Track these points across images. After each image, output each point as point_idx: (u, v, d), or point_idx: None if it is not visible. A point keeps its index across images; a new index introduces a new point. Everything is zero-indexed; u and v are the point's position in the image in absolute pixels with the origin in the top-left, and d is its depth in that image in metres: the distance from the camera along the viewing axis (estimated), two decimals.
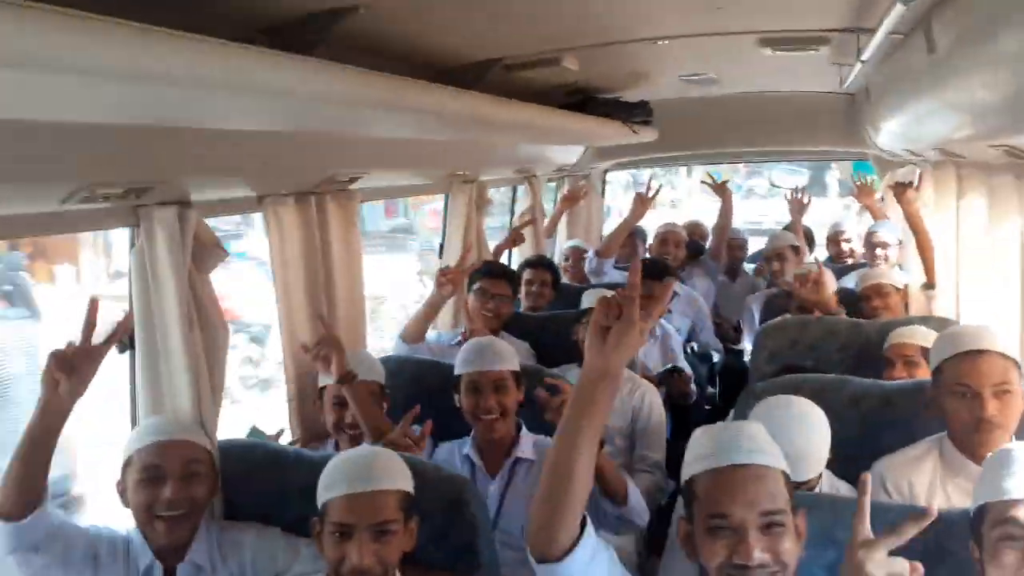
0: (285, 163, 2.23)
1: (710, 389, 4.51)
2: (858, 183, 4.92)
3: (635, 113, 3.79)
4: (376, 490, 1.62)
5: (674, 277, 3.94)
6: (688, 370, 3.86)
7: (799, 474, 1.89)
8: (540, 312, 3.83)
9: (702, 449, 1.47)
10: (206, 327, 2.08)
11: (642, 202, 4.46)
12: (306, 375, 2.52)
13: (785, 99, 4.65)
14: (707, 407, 4.28)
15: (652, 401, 3.12)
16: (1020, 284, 2.48)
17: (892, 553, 1.31)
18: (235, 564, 1.91)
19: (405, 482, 1.68)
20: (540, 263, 4.08)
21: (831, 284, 3.49)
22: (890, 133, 3.59)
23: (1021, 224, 2.38)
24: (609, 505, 2.23)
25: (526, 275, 3.96)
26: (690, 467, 1.48)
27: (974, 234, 2.93)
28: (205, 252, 2.08)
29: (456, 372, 2.49)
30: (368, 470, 1.65)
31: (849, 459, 2.18)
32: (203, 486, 1.90)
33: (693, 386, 3.81)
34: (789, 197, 4.63)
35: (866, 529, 1.27)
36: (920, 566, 1.20)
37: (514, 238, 4.31)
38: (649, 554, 2.89)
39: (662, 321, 3.93)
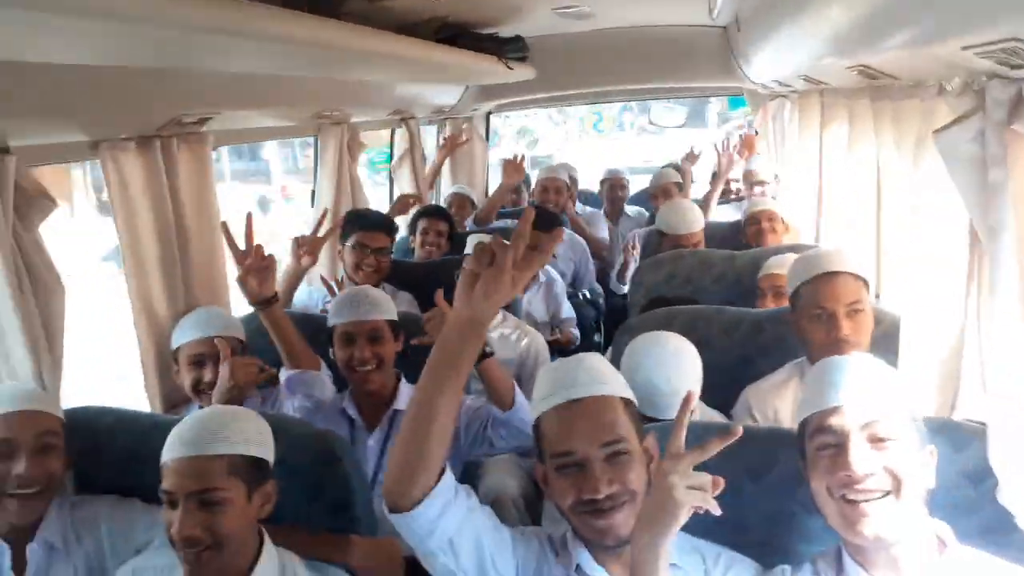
0: (122, 103, 2.02)
1: (596, 338, 4.56)
2: (743, 138, 5.04)
3: (509, 49, 3.68)
4: (200, 455, 1.48)
5: (561, 226, 3.92)
6: (572, 316, 3.88)
7: (674, 409, 1.90)
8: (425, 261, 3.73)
9: (543, 388, 1.46)
10: (38, 286, 1.90)
11: (514, 168, 4.46)
12: (161, 338, 2.35)
13: (660, 34, 4.65)
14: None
15: (538, 348, 3.11)
16: (875, 207, 2.56)
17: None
18: (91, 541, 1.79)
19: (245, 446, 1.51)
20: (436, 212, 3.96)
21: None
22: (759, 65, 3.63)
23: (876, 147, 2.44)
24: (497, 411, 2.19)
25: (421, 224, 3.85)
26: (535, 409, 1.47)
27: (836, 161, 3.01)
28: (31, 204, 1.88)
29: (329, 323, 2.39)
30: (196, 434, 1.50)
31: (724, 387, 2.23)
32: (59, 460, 1.77)
33: (576, 331, 3.83)
34: (721, 151, 4.66)
35: (679, 443, 1.27)
36: (721, 480, 1.22)
37: (400, 207, 4.15)
38: (538, 492, 2.90)
39: (547, 268, 3.92)
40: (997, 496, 1.43)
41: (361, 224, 3.18)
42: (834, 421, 1.35)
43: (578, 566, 1.45)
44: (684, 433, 1.28)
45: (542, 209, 4.00)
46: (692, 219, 3.59)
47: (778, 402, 2.17)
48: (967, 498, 1.48)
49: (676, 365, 1.98)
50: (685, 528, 1.43)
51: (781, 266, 2.75)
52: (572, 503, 1.39)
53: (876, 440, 1.33)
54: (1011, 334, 1.37)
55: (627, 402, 1.45)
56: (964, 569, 1.32)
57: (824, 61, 2.37)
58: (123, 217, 2.27)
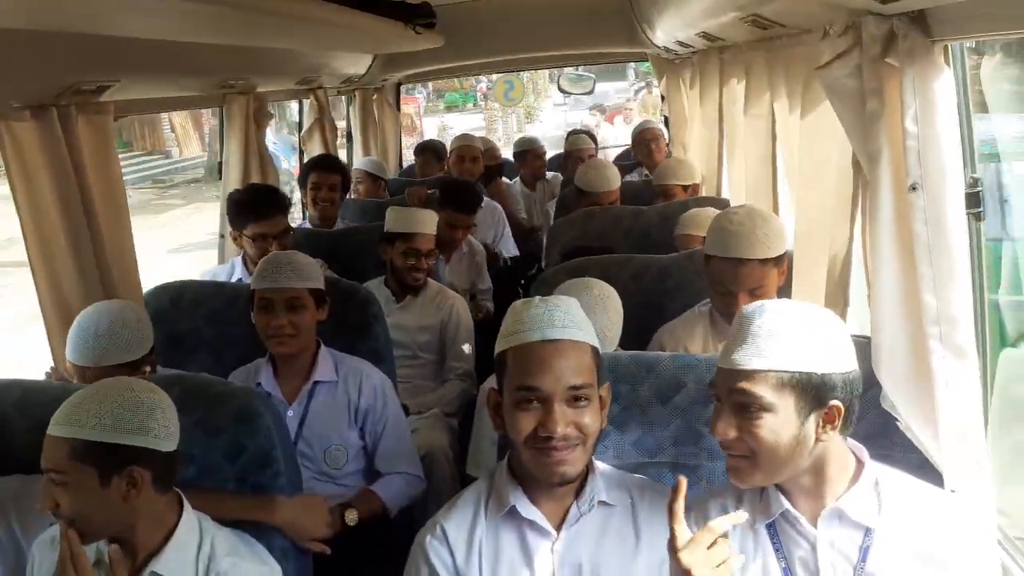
0: (14, 68, 1.94)
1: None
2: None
3: (417, 15, 3.66)
4: (52, 436, 1.47)
5: (478, 207, 4.00)
6: (490, 286, 3.95)
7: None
8: (334, 229, 3.70)
9: (517, 323, 1.47)
10: None
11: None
12: (67, 306, 2.27)
13: (568, 1, 4.71)
14: None
15: (460, 312, 3.15)
16: (771, 159, 2.69)
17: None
18: (2, 526, 1.73)
19: (96, 432, 1.46)
20: (327, 164, 3.83)
21: None
22: (661, 27, 3.74)
23: (769, 100, 2.56)
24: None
25: (311, 178, 3.73)
26: (504, 340, 1.48)
27: (737, 117, 3.14)
28: None
29: (251, 287, 2.36)
30: (58, 412, 1.49)
31: (636, 331, 2.32)
32: None
33: (491, 304, 3.90)
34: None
35: (684, 530, 1.29)
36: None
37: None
38: (463, 450, 2.96)
39: (469, 238, 3.97)
40: (881, 402, 1.55)
41: (255, 212, 2.90)
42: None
43: (512, 507, 1.49)
44: (683, 518, 1.31)
45: (462, 184, 3.99)
46: (610, 177, 3.72)
47: (688, 342, 2.28)
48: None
49: (603, 309, 2.08)
50: (601, 454, 1.51)
51: (693, 226, 2.89)
52: (527, 436, 1.42)
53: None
54: (890, 250, 1.49)
55: (595, 350, 1.49)
56: (886, 492, 1.37)
57: (720, 16, 2.47)
58: (23, 191, 2.18)
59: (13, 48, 1.81)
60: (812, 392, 1.31)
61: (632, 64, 16.27)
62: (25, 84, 2.07)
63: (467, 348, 3.14)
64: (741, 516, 1.34)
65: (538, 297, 1.51)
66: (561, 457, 1.42)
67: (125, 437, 1.48)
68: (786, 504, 1.38)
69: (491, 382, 1.52)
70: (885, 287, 1.52)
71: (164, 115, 17.44)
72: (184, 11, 1.85)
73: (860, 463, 1.39)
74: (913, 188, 1.44)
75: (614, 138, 8.65)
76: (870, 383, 1.52)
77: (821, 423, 1.33)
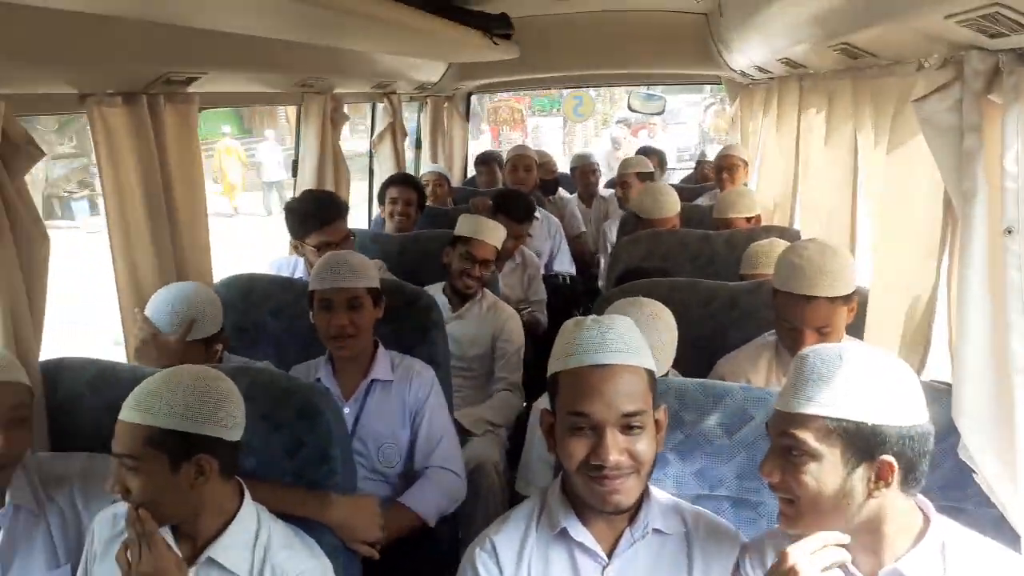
0: (110, 56, 1.99)
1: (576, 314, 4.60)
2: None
3: (495, 25, 3.69)
4: (126, 421, 1.51)
5: (533, 216, 4.02)
6: (543, 298, 3.94)
7: None
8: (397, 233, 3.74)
9: (569, 345, 1.43)
10: (22, 238, 1.88)
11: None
12: (145, 297, 2.33)
13: (643, 19, 4.70)
14: None
15: (512, 326, 3.15)
16: (851, 187, 2.62)
17: None
18: (64, 499, 1.77)
19: (167, 419, 1.50)
20: (405, 181, 3.95)
21: None
22: (740, 51, 3.69)
23: (852, 130, 2.50)
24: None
25: (390, 193, 3.83)
26: (557, 361, 1.45)
27: (813, 144, 3.07)
28: (16, 152, 1.86)
29: (309, 288, 2.38)
30: (134, 400, 1.53)
31: (698, 358, 2.29)
32: (28, 431, 1.74)
33: (544, 315, 3.88)
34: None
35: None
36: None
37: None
38: (512, 464, 2.94)
39: (523, 248, 3.98)
40: (959, 452, 1.49)
41: (317, 220, 2.86)
42: None
43: (563, 529, 1.47)
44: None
45: (514, 194, 4.00)
46: (667, 203, 3.63)
47: (751, 374, 2.23)
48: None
49: (653, 329, 2.03)
50: (660, 482, 1.48)
51: (758, 265, 2.74)
52: (580, 464, 1.40)
53: None
54: (979, 295, 1.43)
55: (650, 373, 1.45)
56: (953, 555, 1.30)
57: (805, 43, 2.43)
58: (109, 175, 2.24)
59: (111, 35, 1.87)
60: (861, 443, 1.26)
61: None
62: (120, 71, 2.14)
63: (516, 362, 3.12)
64: (845, 538, 1.29)
65: (591, 317, 1.47)
66: (614, 487, 1.39)
67: (196, 426, 1.51)
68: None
69: (544, 401, 1.50)
70: (971, 333, 1.46)
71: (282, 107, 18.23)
72: (270, 8, 1.89)
73: (927, 520, 1.32)
74: (1009, 231, 1.39)
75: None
76: (949, 431, 1.47)
77: (873, 478, 1.27)
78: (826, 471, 1.27)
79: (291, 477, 1.76)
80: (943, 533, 1.31)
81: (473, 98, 6.19)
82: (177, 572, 1.50)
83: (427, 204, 4.28)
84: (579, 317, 1.49)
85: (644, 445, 1.40)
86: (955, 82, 1.45)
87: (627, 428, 1.38)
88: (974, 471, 1.49)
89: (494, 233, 3.18)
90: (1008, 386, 1.40)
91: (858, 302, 2.10)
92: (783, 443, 1.30)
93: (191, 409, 1.51)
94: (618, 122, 15.69)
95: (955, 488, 1.51)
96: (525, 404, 3.12)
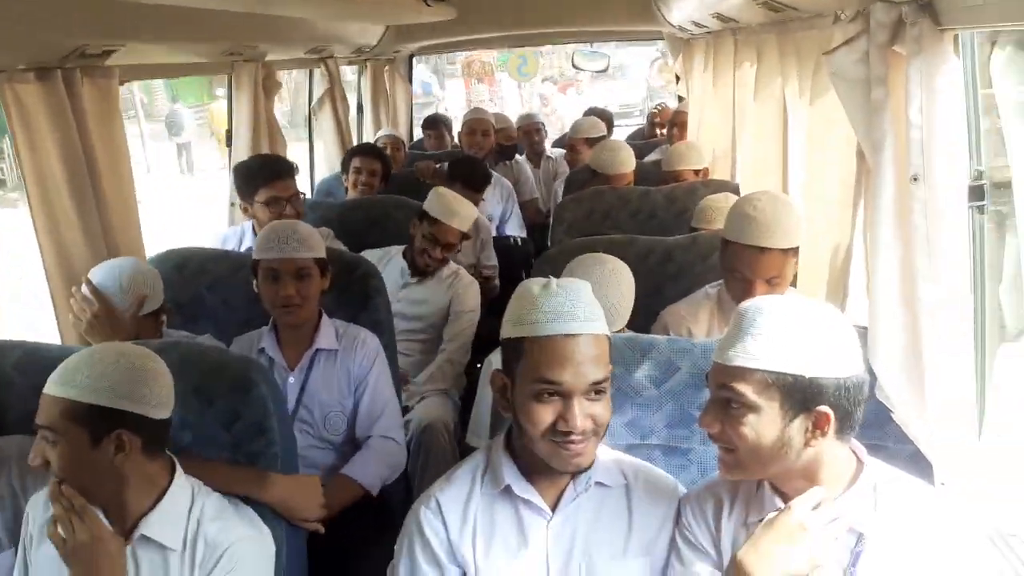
0: (19, 29, 1.94)
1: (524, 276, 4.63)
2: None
3: None
4: (48, 394, 1.51)
5: (487, 184, 4.01)
6: (495, 263, 3.96)
7: (610, 327, 1.97)
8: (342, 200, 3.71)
9: (534, 310, 1.42)
10: None
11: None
12: (75, 277, 2.29)
13: None
14: None
15: (469, 294, 3.16)
16: (781, 145, 2.66)
17: None
18: (3, 482, 1.74)
19: (90, 394, 1.49)
20: (370, 151, 3.92)
21: None
22: (676, 6, 3.70)
23: (781, 84, 2.53)
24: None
25: (354, 163, 3.81)
26: (519, 326, 1.43)
27: (748, 100, 3.11)
28: None
29: (254, 257, 2.36)
30: (58, 373, 1.53)
31: (639, 312, 2.32)
32: None
33: (496, 281, 3.91)
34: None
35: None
36: None
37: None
38: (463, 425, 2.98)
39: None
40: (876, 393, 1.55)
41: (267, 176, 2.91)
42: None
43: (507, 487, 1.49)
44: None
45: (470, 160, 3.97)
46: (623, 159, 3.68)
47: (692, 323, 2.27)
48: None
49: (616, 284, 2.08)
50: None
51: (709, 220, 2.75)
52: (545, 430, 1.41)
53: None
54: (889, 241, 1.48)
55: (609, 339, 1.47)
56: (883, 496, 1.35)
57: None
58: (28, 155, 2.19)
59: (18, 8, 1.81)
60: (799, 395, 1.29)
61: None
62: (30, 46, 2.08)
63: (463, 329, 3.13)
64: (818, 493, 1.32)
65: (554, 282, 1.45)
66: (578, 450, 1.41)
67: (117, 401, 1.50)
68: (779, 504, 1.36)
69: (496, 358, 1.49)
70: (883, 277, 1.51)
71: None
72: None
73: (860, 463, 1.37)
74: (915, 179, 1.43)
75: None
76: (868, 373, 1.52)
77: (810, 428, 1.30)
78: (764, 422, 1.29)
79: (228, 451, 1.75)
80: (875, 475, 1.36)
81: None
82: (113, 540, 1.51)
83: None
84: (540, 279, 1.47)
85: (604, 408, 1.43)
86: (862, 34, 1.48)
87: (592, 393, 1.41)
88: (891, 410, 1.55)
89: (464, 219, 3.13)
90: (917, 327, 1.46)
91: None
92: (722, 395, 1.32)
93: (113, 384, 1.50)
94: (544, 80, 15.61)
95: (874, 427, 1.57)
96: (478, 365, 3.14)
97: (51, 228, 2.27)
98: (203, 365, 1.76)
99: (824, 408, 1.29)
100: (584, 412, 1.40)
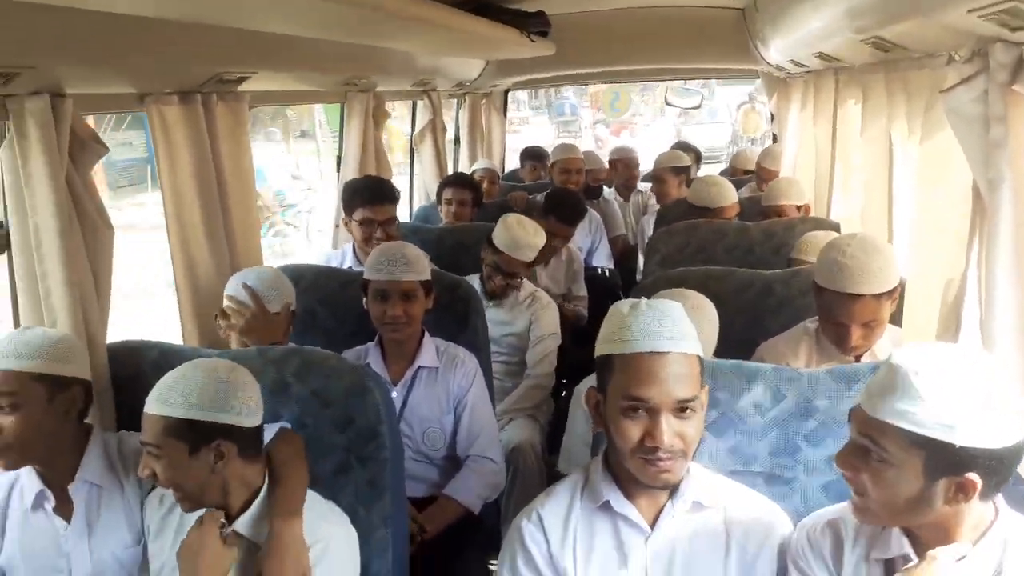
0: (168, 57, 2.12)
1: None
2: None
3: (532, 23, 3.76)
4: (148, 413, 1.63)
5: (581, 219, 4.08)
6: (585, 295, 3.99)
7: None
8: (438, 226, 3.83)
9: (624, 328, 1.46)
10: (87, 227, 2.00)
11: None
12: (199, 284, 2.45)
13: (680, 14, 4.72)
14: None
15: (548, 315, 3.21)
16: (887, 179, 2.65)
17: None
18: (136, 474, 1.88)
19: (184, 410, 1.61)
20: (461, 181, 4.06)
21: None
22: (776, 45, 3.71)
23: (887, 123, 2.53)
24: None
25: (446, 194, 3.96)
26: (610, 344, 1.48)
27: (849, 137, 3.10)
28: (84, 147, 1.98)
29: (365, 276, 2.49)
30: (154, 392, 1.65)
31: (735, 346, 2.33)
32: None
33: (585, 311, 3.94)
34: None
35: None
36: None
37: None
38: (549, 447, 3.03)
39: (568, 245, 4.03)
40: None
41: (365, 198, 3.06)
42: None
43: (606, 502, 1.52)
44: None
45: (566, 205, 4.00)
46: (726, 192, 3.63)
47: (790, 359, 2.26)
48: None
49: (697, 320, 2.07)
50: (698, 459, 1.54)
51: (808, 252, 2.72)
52: (634, 446, 1.45)
53: None
54: (1006, 279, 1.47)
55: (700, 358, 1.49)
56: (1013, 546, 1.30)
57: (839, 36, 2.46)
58: (167, 171, 2.37)
59: (168, 37, 1.98)
60: (945, 460, 1.23)
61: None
62: (177, 71, 2.26)
63: (546, 351, 3.18)
64: (963, 548, 1.29)
65: (644, 301, 1.49)
66: (666, 466, 1.44)
67: (209, 415, 1.62)
68: (907, 546, 1.34)
69: (586, 384, 1.53)
70: (999, 316, 1.50)
71: None
72: (316, 9, 1.98)
73: (996, 514, 1.32)
74: None
75: None
76: None
77: (953, 491, 1.25)
78: (904, 479, 1.26)
79: (342, 452, 1.85)
80: (1008, 526, 1.31)
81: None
82: (216, 545, 1.63)
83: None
84: (631, 299, 1.52)
85: (693, 428, 1.45)
86: (981, 73, 1.50)
87: (679, 412, 1.43)
88: None
89: (526, 252, 3.18)
90: None
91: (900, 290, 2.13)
92: (863, 443, 1.29)
93: (204, 399, 1.62)
94: (596, 123, 15.72)
95: None
96: (564, 393, 3.18)
97: (182, 238, 2.44)
98: (323, 370, 1.87)
99: (972, 476, 1.23)
100: (672, 429, 1.42)
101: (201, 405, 1.62)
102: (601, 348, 1.51)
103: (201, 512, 1.67)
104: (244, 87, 2.59)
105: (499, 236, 3.18)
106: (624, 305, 1.51)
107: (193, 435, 1.61)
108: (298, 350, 1.94)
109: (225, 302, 2.31)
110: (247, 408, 1.66)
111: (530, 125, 20.81)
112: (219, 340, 2.38)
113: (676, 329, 1.46)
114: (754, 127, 13.71)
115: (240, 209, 2.63)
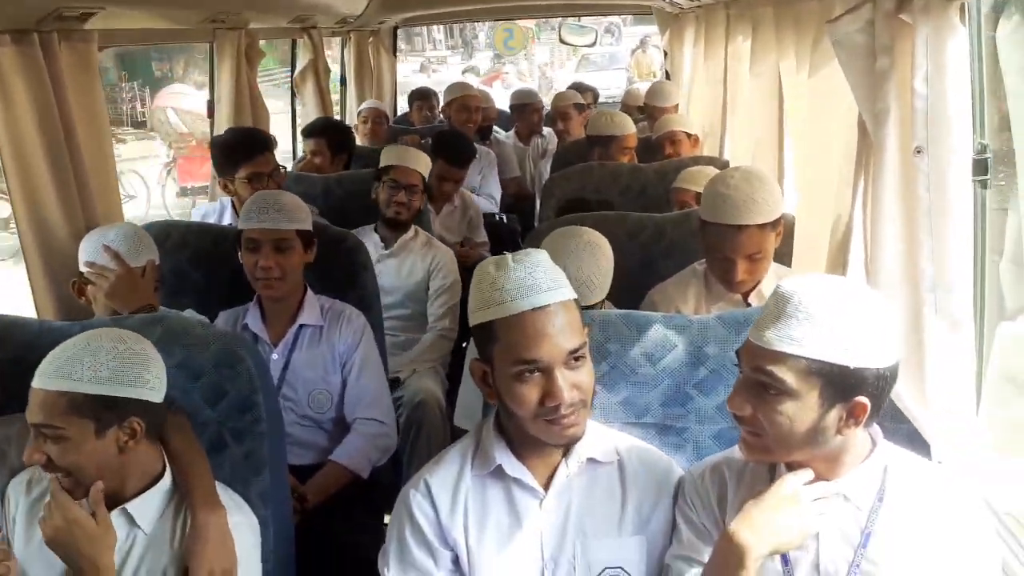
0: None
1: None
2: None
3: None
4: (43, 389, 1.45)
5: (472, 159, 3.93)
6: (486, 240, 3.89)
7: (585, 299, 1.95)
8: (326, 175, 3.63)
9: (497, 290, 1.37)
10: None
11: None
12: (52, 249, 2.23)
13: None
14: None
15: (447, 262, 3.10)
16: (777, 120, 2.63)
17: None
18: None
19: (92, 385, 1.45)
20: (311, 129, 3.77)
21: None
22: None
23: (776, 59, 2.49)
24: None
25: (306, 145, 3.71)
26: (486, 310, 1.39)
27: (741, 75, 3.07)
28: None
29: (238, 226, 2.32)
30: (48, 365, 1.47)
31: (630, 289, 2.29)
32: None
33: (488, 254, 3.84)
34: None
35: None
36: None
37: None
38: (452, 401, 2.95)
39: (463, 191, 3.91)
40: None
41: (247, 151, 2.82)
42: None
43: (498, 467, 1.46)
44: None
45: (455, 145, 3.84)
46: (625, 121, 3.59)
47: (680, 303, 2.25)
48: None
49: (591, 255, 2.05)
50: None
51: (690, 181, 2.83)
52: (534, 410, 1.37)
53: None
54: (892, 215, 1.45)
55: (578, 303, 1.43)
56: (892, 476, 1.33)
57: None
58: (3, 123, 2.12)
59: None
60: (840, 385, 1.24)
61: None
62: (5, 6, 2.00)
63: (448, 300, 3.08)
64: (809, 472, 1.31)
65: (510, 256, 1.40)
66: (570, 422, 1.38)
67: (123, 389, 1.47)
68: None
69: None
70: (884, 252, 1.49)
71: None
72: None
73: (873, 445, 1.34)
74: (918, 151, 1.40)
75: None
76: None
77: (844, 417, 1.26)
78: (800, 409, 1.25)
79: (214, 427, 1.70)
80: (886, 456, 1.34)
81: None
82: (89, 521, 1.47)
83: (361, 144, 4.16)
84: (495, 258, 1.43)
85: (586, 375, 1.39)
86: (867, 2, 1.45)
87: (572, 361, 1.37)
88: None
89: (418, 159, 3.11)
90: (918, 303, 1.44)
91: (785, 227, 2.13)
92: (757, 378, 1.27)
93: (116, 372, 1.46)
94: (465, 71, 15.52)
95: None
96: (465, 344, 3.10)
97: (27, 196, 2.20)
98: (188, 340, 1.71)
99: (862, 399, 1.24)
100: (568, 383, 1.36)
101: (113, 379, 1.46)
102: (477, 316, 1.41)
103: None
104: (91, 24, 2.32)
105: (388, 155, 3.10)
106: (489, 265, 1.41)
107: (104, 412, 1.45)
108: (160, 318, 1.78)
109: (83, 268, 2.10)
110: (158, 381, 1.52)
111: (448, 65, 20.22)
112: (77, 309, 2.18)
113: (550, 279, 1.39)
114: (647, 71, 13.74)
115: (95, 162, 2.39)
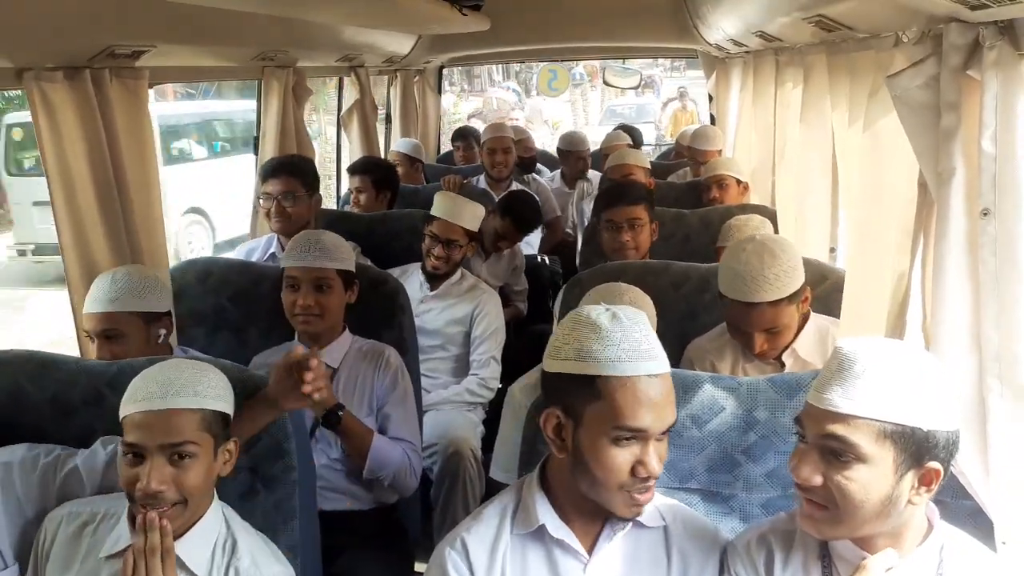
0: (49, 26, 1.89)
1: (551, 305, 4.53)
2: None
3: None
4: (170, 408, 1.44)
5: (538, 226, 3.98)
6: (525, 287, 3.88)
7: None
8: (366, 214, 3.63)
9: (610, 346, 1.29)
10: None
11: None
12: (95, 275, 2.23)
13: None
14: None
15: (491, 305, 3.06)
16: (830, 164, 2.56)
17: None
18: (8, 493, 1.64)
19: (215, 401, 1.48)
20: (356, 167, 3.80)
21: None
22: (715, 23, 3.61)
23: (829, 108, 2.43)
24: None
25: (350, 183, 3.75)
26: (587, 363, 1.30)
27: (791, 122, 3.01)
28: None
29: (280, 265, 2.33)
30: (165, 387, 1.45)
31: (672, 340, 2.22)
32: None
33: (524, 304, 3.84)
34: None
35: None
36: None
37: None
38: (486, 447, 2.89)
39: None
40: None
41: (267, 172, 2.93)
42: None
43: (540, 527, 1.39)
44: None
45: (525, 199, 3.87)
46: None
47: (716, 359, 2.19)
48: None
49: None
50: None
51: (740, 232, 2.73)
52: (622, 479, 1.31)
53: None
54: (955, 279, 1.38)
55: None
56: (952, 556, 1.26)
57: (781, 15, 2.35)
58: (53, 155, 2.13)
59: (46, 6, 1.76)
60: (913, 449, 1.19)
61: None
62: (59, 44, 2.03)
63: (491, 344, 3.03)
64: (893, 556, 1.24)
65: (621, 312, 1.32)
66: (647, 497, 1.33)
67: (229, 407, 1.51)
68: (864, 553, 1.26)
69: (521, 386, 1.39)
70: (946, 317, 1.40)
71: None
72: None
73: (930, 525, 1.28)
74: (985, 213, 1.33)
75: None
76: None
77: (916, 485, 1.21)
78: (876, 477, 1.19)
79: (246, 472, 1.67)
80: (943, 536, 1.28)
81: None
82: None
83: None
84: (600, 307, 1.34)
85: (666, 448, 1.35)
86: (931, 57, 1.39)
87: (662, 434, 1.32)
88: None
89: (462, 214, 3.05)
90: (982, 371, 1.36)
91: (835, 282, 2.05)
92: (826, 444, 1.20)
93: (227, 391, 1.51)
94: (470, 117, 15.23)
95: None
96: (500, 386, 3.05)
97: (74, 228, 2.21)
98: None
99: (935, 464, 1.19)
100: (657, 455, 1.31)
101: (225, 397, 1.50)
102: (572, 366, 1.31)
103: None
104: (142, 62, 2.35)
105: (436, 205, 3.05)
106: (598, 314, 1.32)
107: (222, 430, 1.49)
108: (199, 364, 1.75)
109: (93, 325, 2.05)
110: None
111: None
112: None
113: (659, 345, 1.33)
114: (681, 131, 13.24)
115: (141, 198, 2.40)
